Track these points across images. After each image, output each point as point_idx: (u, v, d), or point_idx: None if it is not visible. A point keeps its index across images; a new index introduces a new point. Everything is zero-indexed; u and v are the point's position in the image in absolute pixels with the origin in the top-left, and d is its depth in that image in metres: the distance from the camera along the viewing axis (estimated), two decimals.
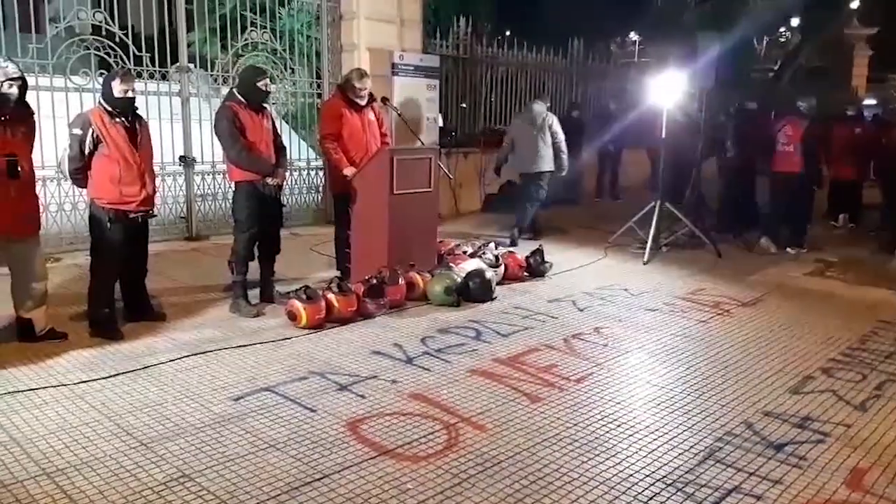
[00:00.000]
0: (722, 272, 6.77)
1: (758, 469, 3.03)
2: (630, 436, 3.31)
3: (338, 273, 5.71)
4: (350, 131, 5.62)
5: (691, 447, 3.21)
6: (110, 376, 3.83)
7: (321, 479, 2.84)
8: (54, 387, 3.67)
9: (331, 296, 4.85)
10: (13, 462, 2.90)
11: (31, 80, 5.96)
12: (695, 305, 5.62)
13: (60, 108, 6.39)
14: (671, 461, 3.07)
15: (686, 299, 5.79)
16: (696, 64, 7.91)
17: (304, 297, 4.74)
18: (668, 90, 7.26)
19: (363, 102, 5.69)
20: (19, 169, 4.00)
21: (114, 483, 2.76)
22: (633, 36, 22.26)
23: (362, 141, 5.66)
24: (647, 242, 7.21)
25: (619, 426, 3.40)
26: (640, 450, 3.17)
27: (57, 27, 6.80)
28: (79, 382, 3.73)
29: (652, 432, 3.35)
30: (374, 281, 5.11)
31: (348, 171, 5.49)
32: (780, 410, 3.64)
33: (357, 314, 4.93)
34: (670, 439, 3.28)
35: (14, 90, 3.94)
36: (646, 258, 7.10)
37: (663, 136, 7.43)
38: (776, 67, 21.08)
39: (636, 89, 10.25)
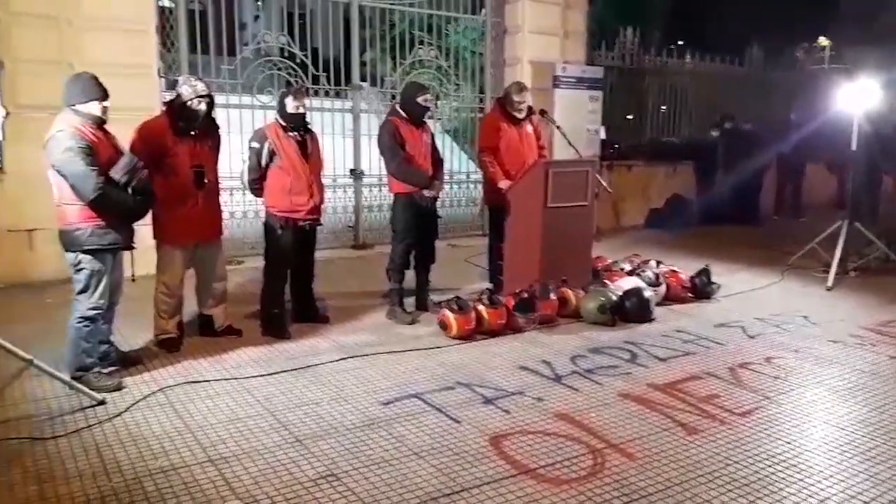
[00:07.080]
0: None
1: None
2: (800, 480, 2.99)
3: (490, 285, 5.73)
4: (507, 144, 5.63)
5: (873, 499, 2.83)
6: (276, 373, 4.10)
7: (460, 492, 2.83)
8: (226, 379, 3.99)
9: (481, 307, 4.86)
10: (184, 447, 3.17)
11: (223, 99, 6.64)
12: (886, 339, 5.00)
13: (248, 124, 6.97)
14: None
15: (876, 331, 5.17)
16: None
17: (455, 307, 4.80)
18: (859, 99, 6.57)
19: (521, 115, 5.67)
20: (206, 180, 4.41)
21: (269, 475, 2.94)
22: (823, 41, 20.42)
23: (519, 154, 5.64)
24: (831, 265, 6.55)
25: (787, 468, 3.09)
26: (810, 496, 2.85)
27: (245, 49, 7.46)
28: (248, 377, 4.02)
29: (826, 478, 3.00)
30: (525, 295, 5.05)
31: (503, 183, 5.50)
32: None
33: (506, 327, 4.90)
34: (848, 487, 2.92)
35: (203, 106, 4.33)
36: (830, 283, 6.43)
37: (853, 148, 6.72)
38: None
39: (823, 98, 9.38)
